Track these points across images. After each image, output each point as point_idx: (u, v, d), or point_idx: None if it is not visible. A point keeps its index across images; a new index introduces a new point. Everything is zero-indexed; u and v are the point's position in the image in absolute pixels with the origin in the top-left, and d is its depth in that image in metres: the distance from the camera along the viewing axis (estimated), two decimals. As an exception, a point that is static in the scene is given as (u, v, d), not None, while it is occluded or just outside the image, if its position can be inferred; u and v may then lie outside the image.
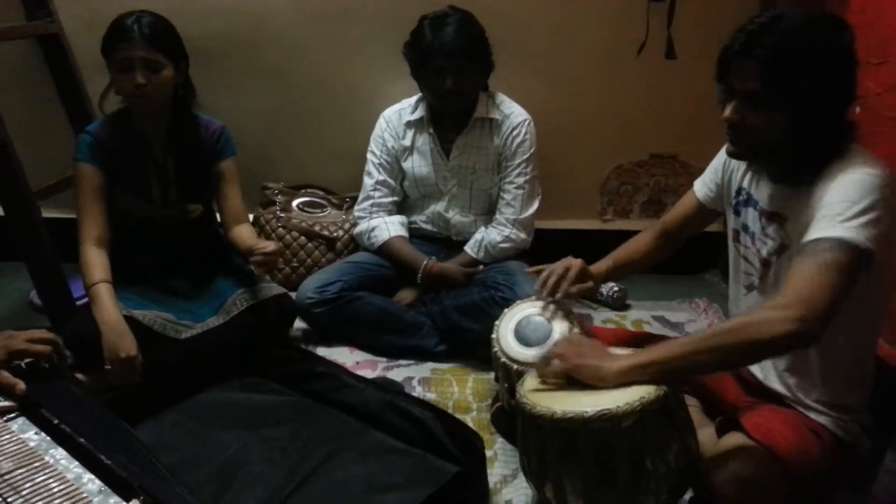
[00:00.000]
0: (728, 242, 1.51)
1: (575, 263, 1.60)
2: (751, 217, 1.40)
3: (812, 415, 1.34)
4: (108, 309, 1.68)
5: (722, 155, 1.50)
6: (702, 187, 1.56)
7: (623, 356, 1.23)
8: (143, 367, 1.66)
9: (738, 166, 1.44)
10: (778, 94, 1.18)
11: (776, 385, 1.40)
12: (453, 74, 2.00)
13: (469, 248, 2.19)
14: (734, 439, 1.23)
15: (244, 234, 1.93)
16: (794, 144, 1.24)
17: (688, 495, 1.31)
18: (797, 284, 1.12)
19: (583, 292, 1.60)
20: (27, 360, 1.18)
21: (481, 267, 2.15)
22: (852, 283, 1.12)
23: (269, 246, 1.76)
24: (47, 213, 2.06)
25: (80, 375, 1.71)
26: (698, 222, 1.61)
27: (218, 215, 2.03)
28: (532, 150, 2.16)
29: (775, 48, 1.16)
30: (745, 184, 1.42)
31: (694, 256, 2.56)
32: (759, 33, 1.18)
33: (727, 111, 1.25)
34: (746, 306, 1.44)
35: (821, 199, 1.19)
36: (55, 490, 0.92)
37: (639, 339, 1.63)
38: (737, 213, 1.45)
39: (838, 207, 1.15)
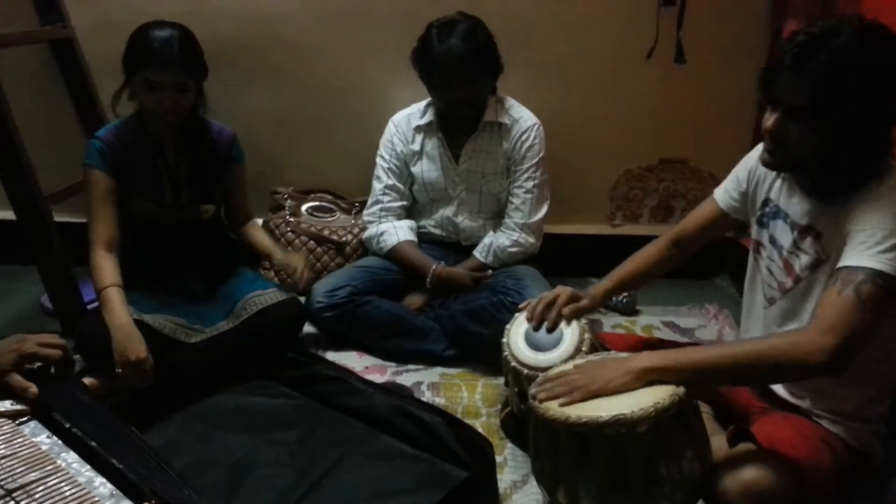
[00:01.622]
0: (749, 252, 1.48)
1: (565, 290, 1.56)
2: (780, 230, 1.36)
3: (825, 423, 1.33)
4: (119, 313, 1.68)
5: (746, 163, 1.47)
6: (724, 195, 1.52)
7: (646, 354, 1.22)
8: (153, 370, 1.67)
9: (765, 176, 1.41)
10: (827, 114, 1.15)
11: (788, 395, 1.39)
12: (460, 85, 2.00)
13: (478, 253, 2.19)
14: (745, 448, 1.22)
15: (258, 234, 2.07)
16: (832, 161, 1.21)
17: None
18: (832, 315, 1.11)
19: (575, 312, 1.54)
20: (37, 364, 1.18)
21: (490, 272, 2.14)
22: (884, 314, 1.13)
23: (293, 263, 1.96)
24: (59, 217, 2.07)
25: (89, 379, 1.71)
26: (717, 231, 1.58)
27: (224, 217, 2.10)
28: (541, 155, 2.16)
29: (829, 67, 1.12)
30: (773, 195, 1.39)
31: (704, 261, 2.54)
32: (812, 48, 1.14)
33: (769, 122, 1.22)
34: (765, 319, 1.42)
35: (858, 220, 1.17)
36: (67, 494, 0.92)
37: (649, 345, 1.62)
38: (761, 225, 1.42)
39: (876, 236, 1.13)
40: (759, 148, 1.32)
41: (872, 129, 1.18)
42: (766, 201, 1.41)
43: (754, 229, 1.45)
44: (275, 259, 1.99)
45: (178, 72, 1.74)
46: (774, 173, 1.38)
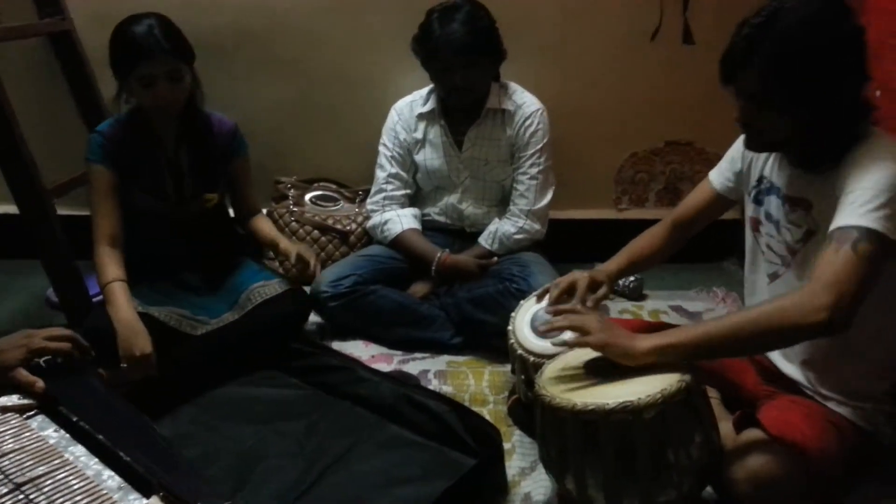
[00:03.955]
0: (745, 231, 1.48)
1: (581, 278, 1.55)
2: (774, 205, 1.37)
3: (831, 405, 1.32)
4: (123, 307, 1.69)
5: (739, 143, 1.48)
6: (719, 177, 1.54)
7: (647, 336, 1.22)
8: (160, 362, 1.67)
9: (758, 154, 1.42)
10: (780, 98, 1.18)
11: (795, 375, 1.38)
12: (461, 71, 1.98)
13: (483, 240, 2.18)
14: (752, 435, 1.22)
15: (265, 225, 2.04)
16: (808, 137, 1.23)
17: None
18: (827, 272, 1.11)
19: (598, 301, 1.55)
20: (45, 358, 1.18)
21: (495, 259, 2.14)
22: (879, 272, 1.12)
23: (301, 255, 1.89)
24: (62, 211, 2.07)
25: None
26: (713, 213, 1.59)
27: (231, 210, 2.10)
28: (545, 140, 2.14)
29: (773, 53, 1.16)
30: (767, 171, 1.40)
31: (711, 244, 2.53)
32: (756, 38, 1.17)
33: (736, 112, 1.26)
34: (770, 295, 1.40)
35: (846, 182, 1.17)
36: (76, 487, 0.92)
37: (656, 330, 1.61)
38: (758, 202, 1.42)
39: (866, 195, 1.13)
40: None
41: (837, 101, 1.19)
42: (761, 179, 1.42)
43: (751, 208, 1.45)
44: (280, 247, 1.95)
45: (168, 60, 1.72)
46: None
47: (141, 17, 1.74)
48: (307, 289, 2.05)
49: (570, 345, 1.33)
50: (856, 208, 1.13)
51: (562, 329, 1.30)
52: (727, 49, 1.22)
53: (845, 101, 1.20)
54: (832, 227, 1.16)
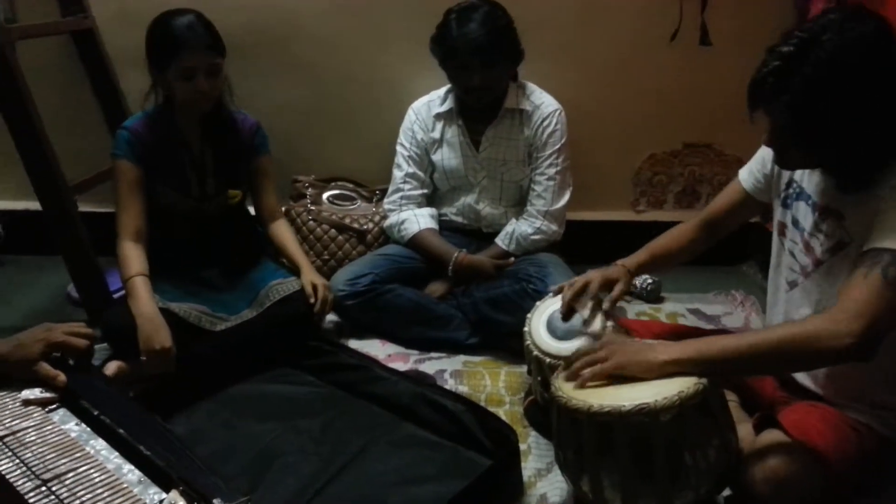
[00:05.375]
0: (773, 235, 1.46)
1: (595, 278, 1.53)
2: (802, 211, 1.34)
3: (850, 413, 1.30)
4: (145, 302, 1.70)
5: None
6: (749, 177, 1.49)
7: (668, 345, 1.21)
8: (178, 358, 1.69)
9: None
10: (810, 137, 1.14)
11: (812, 386, 1.37)
12: (479, 71, 1.97)
13: (500, 241, 2.18)
14: (771, 437, 1.21)
15: (289, 242, 2.04)
16: (838, 164, 1.20)
17: (726, 492, 1.29)
18: (856, 298, 1.09)
19: (615, 301, 1.52)
20: (55, 355, 1.19)
21: (512, 259, 2.13)
22: None
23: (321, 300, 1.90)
24: (83, 207, 2.09)
25: (118, 362, 1.73)
26: (745, 213, 1.54)
27: (252, 209, 2.11)
28: (563, 141, 2.14)
29: (806, 90, 1.09)
30: (797, 176, 1.36)
31: (730, 247, 2.51)
32: (785, 71, 1.10)
33: (763, 136, 1.22)
34: (787, 303, 1.40)
35: (884, 201, 1.14)
36: (97, 480, 0.93)
37: (673, 333, 1.60)
38: (786, 206, 1.39)
39: None
40: None
41: (874, 136, 1.13)
42: (790, 182, 1.38)
43: (778, 211, 1.42)
44: (301, 278, 1.95)
45: (208, 52, 1.75)
46: None
47: (181, 11, 1.77)
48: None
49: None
50: (890, 229, 1.10)
51: (585, 380, 1.24)
52: (754, 78, 1.16)
53: (884, 133, 1.14)
54: (866, 247, 1.13)
